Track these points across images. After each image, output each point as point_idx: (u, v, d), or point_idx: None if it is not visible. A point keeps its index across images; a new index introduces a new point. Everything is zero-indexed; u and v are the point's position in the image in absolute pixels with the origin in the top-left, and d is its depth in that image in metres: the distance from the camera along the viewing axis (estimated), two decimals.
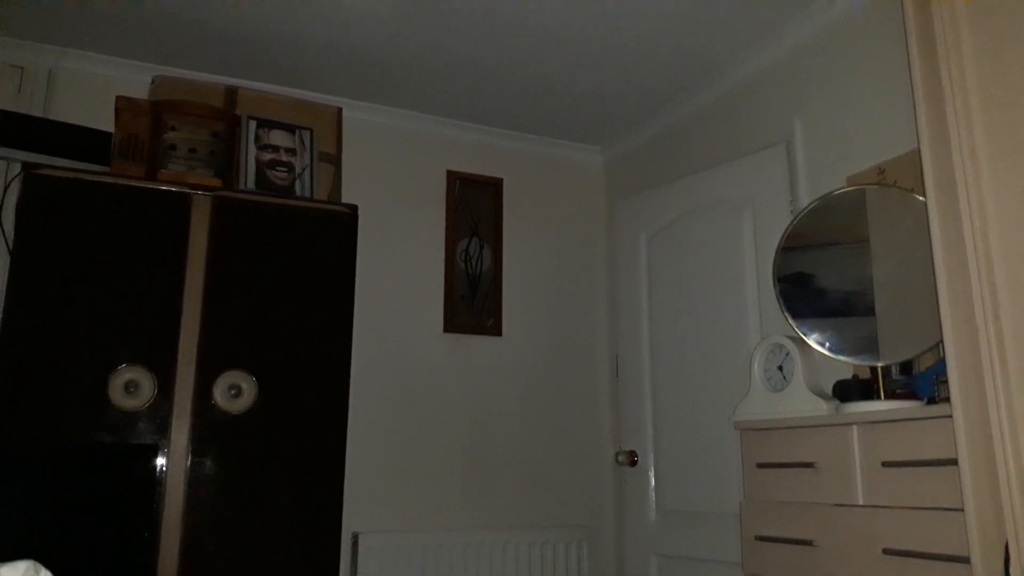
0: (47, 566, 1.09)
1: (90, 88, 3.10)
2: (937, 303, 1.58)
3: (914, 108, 1.69)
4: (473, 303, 3.63)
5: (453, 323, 3.56)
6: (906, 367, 2.19)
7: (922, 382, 2.05)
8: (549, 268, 3.84)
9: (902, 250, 2.17)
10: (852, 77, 2.68)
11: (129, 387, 2.44)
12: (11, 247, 2.47)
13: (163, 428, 2.46)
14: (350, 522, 3.07)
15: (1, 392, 2.32)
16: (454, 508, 3.42)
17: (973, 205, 1.52)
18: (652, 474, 3.22)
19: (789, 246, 2.40)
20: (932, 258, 1.60)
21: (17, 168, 2.71)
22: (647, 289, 3.38)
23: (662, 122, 3.60)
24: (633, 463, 3.30)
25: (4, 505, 2.18)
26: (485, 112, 3.62)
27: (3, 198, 2.80)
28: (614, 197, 3.88)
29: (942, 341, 1.57)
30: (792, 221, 2.43)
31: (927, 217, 1.62)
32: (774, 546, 2.09)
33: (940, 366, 1.73)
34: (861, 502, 1.89)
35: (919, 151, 1.67)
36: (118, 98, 2.78)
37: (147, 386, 2.46)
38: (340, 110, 3.25)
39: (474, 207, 3.72)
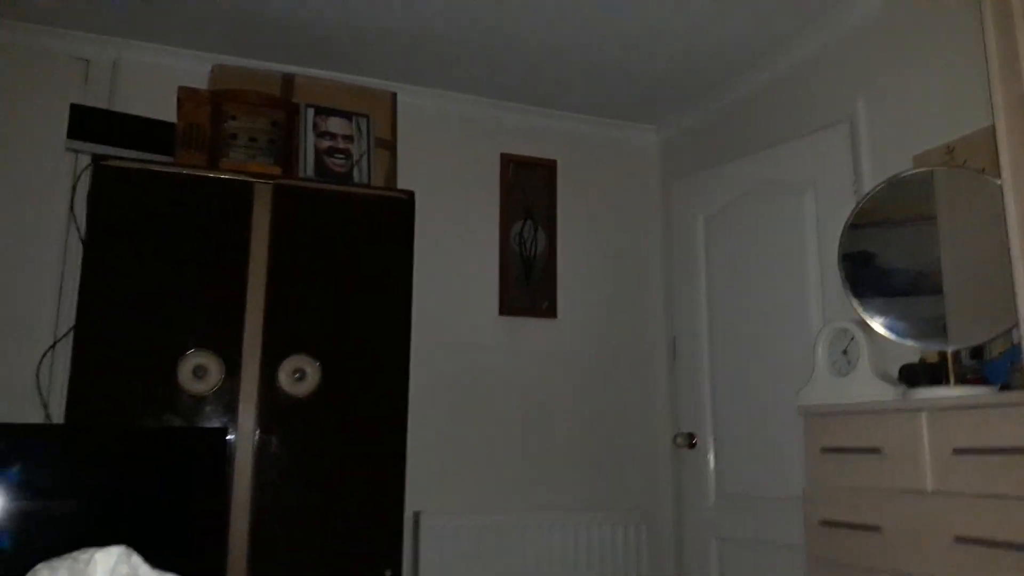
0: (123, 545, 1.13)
1: (152, 79, 3.16)
2: (1013, 287, 1.54)
3: (988, 83, 1.64)
4: (528, 286, 3.63)
5: (508, 306, 3.57)
6: (976, 352, 2.14)
7: (994, 368, 2.00)
8: (604, 249, 3.82)
9: (973, 232, 2.11)
10: (919, 51, 2.60)
11: (197, 372, 2.51)
12: (83, 237, 2.55)
13: (230, 411, 2.53)
14: (411, 501, 3.11)
15: (77, 378, 2.41)
16: (513, 489, 3.45)
17: None
18: (711, 457, 3.21)
19: (855, 223, 2.35)
20: (1007, 240, 1.55)
21: (87, 160, 2.79)
22: (705, 271, 3.34)
23: (720, 100, 3.54)
24: (692, 446, 3.29)
25: (82, 487, 2.26)
26: (539, 94, 3.61)
27: (75, 189, 2.89)
28: (670, 177, 3.83)
29: (1017, 326, 1.53)
30: (857, 204, 2.37)
31: (1002, 199, 1.57)
32: (839, 531, 2.06)
33: (1015, 352, 1.69)
34: (930, 489, 1.85)
35: (993, 129, 1.62)
36: (180, 89, 2.84)
37: (214, 370, 2.52)
38: (395, 95, 3.27)
39: (528, 189, 3.71)
